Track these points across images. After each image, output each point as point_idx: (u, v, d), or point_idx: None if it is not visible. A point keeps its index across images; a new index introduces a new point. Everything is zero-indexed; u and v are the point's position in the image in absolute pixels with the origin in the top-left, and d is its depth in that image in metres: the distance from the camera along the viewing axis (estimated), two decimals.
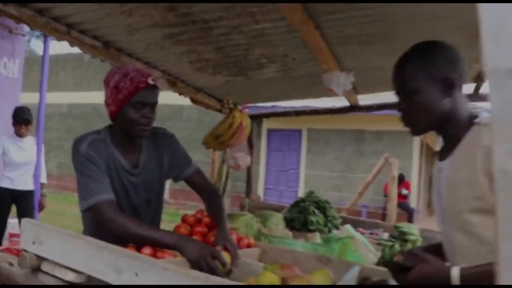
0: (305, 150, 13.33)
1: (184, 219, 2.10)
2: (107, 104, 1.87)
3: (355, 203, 6.88)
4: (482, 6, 1.00)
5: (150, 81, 1.82)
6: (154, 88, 1.85)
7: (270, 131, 13.66)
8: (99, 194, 1.74)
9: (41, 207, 5.06)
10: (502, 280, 0.95)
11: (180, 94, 3.60)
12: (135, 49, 2.74)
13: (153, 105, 1.87)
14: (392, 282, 1.82)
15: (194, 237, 1.96)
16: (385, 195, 11.00)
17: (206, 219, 2.08)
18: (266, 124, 13.44)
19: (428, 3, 2.05)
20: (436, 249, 1.65)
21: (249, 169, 4.47)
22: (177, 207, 12.80)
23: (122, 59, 2.73)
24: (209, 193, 2.14)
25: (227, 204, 10.83)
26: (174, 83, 3.30)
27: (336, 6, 2.09)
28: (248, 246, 2.16)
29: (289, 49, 2.68)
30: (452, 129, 1.47)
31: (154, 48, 2.69)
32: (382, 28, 2.34)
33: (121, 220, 1.71)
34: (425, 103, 1.44)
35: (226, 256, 1.71)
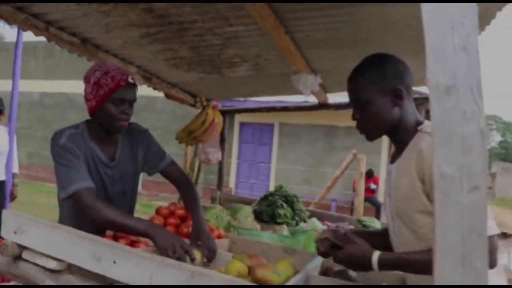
0: (276, 144, 13.45)
1: (158, 211, 2.22)
2: (87, 99, 1.98)
3: (323, 197, 7.07)
4: (425, 25, 1.15)
5: (130, 80, 1.96)
6: (133, 86, 1.99)
7: (242, 125, 13.72)
8: (78, 181, 1.83)
9: (13, 198, 5.06)
10: (437, 267, 1.10)
11: (154, 89, 3.68)
12: (112, 46, 2.82)
13: (132, 102, 1.99)
14: (352, 272, 1.99)
15: (168, 227, 2.08)
16: (354, 190, 11.27)
17: (179, 211, 2.20)
18: (239, 118, 13.47)
19: (397, 11, 2.19)
20: (366, 234, 1.86)
21: (220, 164, 4.59)
22: (150, 198, 12.81)
23: (99, 55, 2.81)
24: (184, 184, 2.25)
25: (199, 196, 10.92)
26: (149, 79, 3.39)
27: (306, 12, 2.22)
28: (218, 237, 2.29)
29: (261, 51, 2.80)
30: (401, 135, 1.63)
31: (130, 46, 2.78)
32: (349, 34, 2.48)
33: (99, 206, 1.81)
34: (377, 113, 1.58)
35: (196, 253, 1.78)
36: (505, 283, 1.56)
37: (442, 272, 1.08)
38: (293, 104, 4.51)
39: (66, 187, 1.84)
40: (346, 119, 12.76)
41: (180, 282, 1.32)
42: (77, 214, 1.91)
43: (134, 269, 1.42)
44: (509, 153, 56.12)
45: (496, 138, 79.76)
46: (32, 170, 14.70)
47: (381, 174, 12.58)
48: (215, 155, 3.25)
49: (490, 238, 1.35)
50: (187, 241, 1.84)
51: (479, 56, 1.07)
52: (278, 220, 3.11)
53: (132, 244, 1.81)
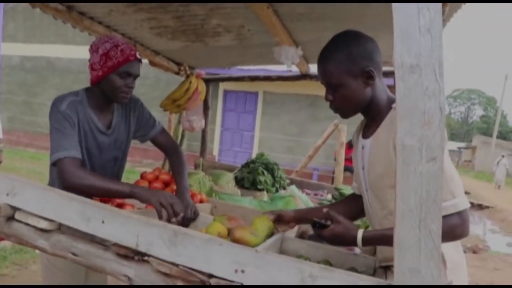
0: (260, 112, 13.49)
1: (142, 176, 2.32)
2: (93, 69, 2.07)
3: (305, 165, 7.23)
4: (394, 9, 1.25)
5: (138, 56, 2.09)
6: (139, 62, 2.11)
7: (226, 92, 13.71)
8: (65, 150, 1.92)
9: None
10: (397, 229, 1.23)
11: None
12: (97, 14, 2.85)
13: (136, 76, 2.10)
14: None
15: None
16: (335, 159, 11.44)
17: (164, 176, 2.31)
18: (223, 85, 13.44)
19: None
20: (337, 207, 1.97)
21: (204, 131, 4.68)
22: (133, 164, 12.85)
23: (84, 22, 2.84)
24: (172, 152, 2.35)
25: None
26: (134, 46, 3.43)
27: None
28: (201, 201, 2.41)
29: (244, 22, 2.86)
30: (374, 112, 1.70)
31: (116, 14, 2.81)
32: (329, 8, 2.55)
33: (81, 174, 1.90)
34: (349, 95, 1.64)
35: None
36: (460, 253, 1.68)
37: (401, 233, 1.20)
38: (276, 73, 4.57)
39: (54, 152, 1.92)
40: None
41: (164, 241, 1.43)
42: (61, 180, 2.00)
43: (121, 228, 1.52)
44: (490, 127, 56.99)
45: (478, 112, 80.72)
46: (14, 135, 14.59)
47: None
48: (199, 123, 3.34)
49: (463, 211, 1.44)
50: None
51: (442, 38, 1.17)
52: (259, 187, 3.23)
53: (119, 207, 1.91)
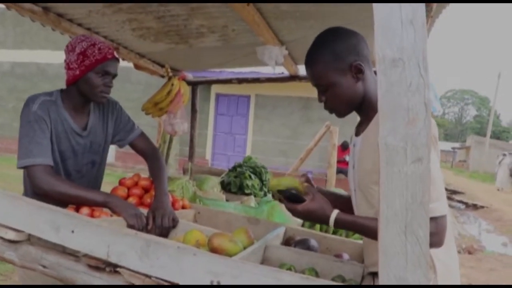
0: (252, 115, 13.45)
1: (121, 182, 2.22)
2: (69, 68, 2.00)
3: (297, 168, 7.15)
4: (375, 4, 1.17)
5: (116, 55, 2.04)
6: (117, 61, 2.05)
7: (218, 96, 13.67)
8: (35, 156, 1.84)
9: None
10: (382, 234, 1.15)
11: (123, 59, 3.64)
12: (76, 15, 2.76)
13: (114, 76, 2.05)
14: (313, 242, 2.03)
15: (131, 198, 2.10)
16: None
17: (143, 182, 2.22)
18: (215, 89, 13.43)
19: None
20: (332, 196, 1.90)
21: (192, 135, 4.59)
22: (125, 170, 12.75)
23: (63, 24, 2.75)
24: (151, 157, 2.27)
25: (174, 168, 10.87)
26: (117, 49, 3.34)
27: None
28: (183, 207, 2.32)
29: (228, 21, 2.78)
30: (367, 108, 1.63)
31: (95, 15, 2.72)
32: (313, 7, 2.48)
33: (52, 180, 1.83)
34: (341, 93, 1.58)
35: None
36: (452, 255, 1.61)
37: (385, 238, 1.12)
38: (265, 75, 4.49)
39: (23, 157, 1.84)
40: None
41: (136, 251, 1.34)
42: (32, 186, 1.92)
43: (91, 238, 1.43)
44: (484, 127, 57.31)
45: (471, 112, 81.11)
46: (3, 142, 14.45)
47: None
48: (181, 126, 3.24)
49: (440, 218, 1.37)
50: (143, 210, 1.89)
51: (425, 30, 1.10)
52: (246, 191, 3.15)
53: (93, 214, 1.82)
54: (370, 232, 1.50)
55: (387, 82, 1.13)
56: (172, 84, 3.26)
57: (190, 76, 4.49)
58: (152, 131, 7.84)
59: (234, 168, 3.41)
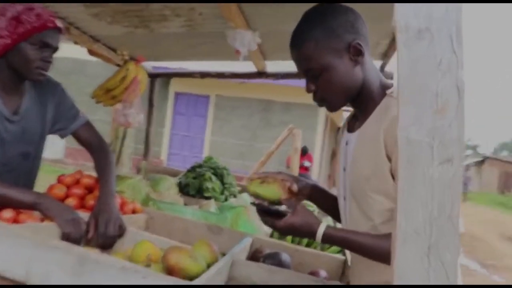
0: (212, 116, 13.18)
1: (59, 179, 1.87)
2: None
3: (256, 172, 6.87)
4: None
5: (59, 24, 1.67)
6: (59, 32, 1.69)
7: (177, 95, 13.32)
8: None
9: None
10: (397, 256, 0.86)
11: (75, 42, 3.25)
12: None
13: (55, 49, 1.70)
14: (284, 256, 1.75)
15: (70, 199, 1.75)
16: (288, 167, 11.21)
17: (86, 180, 1.87)
18: (173, 87, 13.09)
19: None
20: (323, 193, 1.63)
21: (147, 131, 4.24)
22: (76, 168, 12.12)
23: None
24: (98, 150, 1.92)
25: (128, 167, 10.41)
26: (67, 29, 2.95)
27: None
28: (134, 211, 1.99)
29: (195, 4, 2.47)
30: (365, 99, 1.36)
31: None
32: None
33: None
34: (336, 78, 1.31)
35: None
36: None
37: (402, 262, 0.85)
38: (230, 71, 4.19)
39: None
40: (283, 94, 12.72)
41: (65, 270, 1.01)
42: None
43: (7, 252, 1.09)
44: None
45: None
46: None
47: (316, 151, 12.63)
48: (136, 117, 2.84)
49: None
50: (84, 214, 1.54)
51: None
52: (206, 194, 2.83)
53: (18, 218, 1.46)
54: (366, 250, 1.24)
55: (410, 59, 0.86)
56: (128, 69, 2.86)
57: (149, 67, 4.14)
58: (106, 128, 7.37)
59: (193, 169, 3.07)
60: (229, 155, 12.29)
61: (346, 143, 1.43)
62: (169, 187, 2.51)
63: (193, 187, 2.85)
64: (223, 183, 3.01)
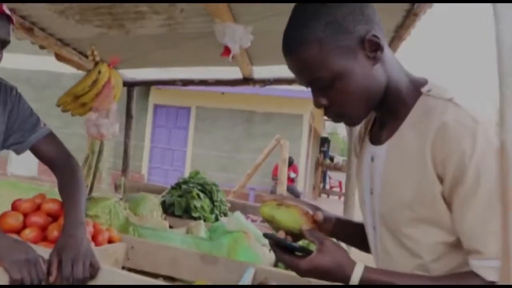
0: (193, 128, 12.88)
1: (14, 205, 1.52)
2: None
3: (243, 185, 6.56)
4: None
5: (6, 10, 1.35)
6: (8, 21, 1.38)
7: (156, 107, 12.98)
8: None
9: None
10: None
11: (41, 47, 2.90)
12: None
13: (4, 42, 1.39)
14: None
15: (27, 231, 1.40)
16: (273, 178, 10.93)
17: (49, 205, 1.52)
18: (153, 99, 12.76)
19: None
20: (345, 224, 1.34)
21: (126, 144, 3.89)
22: (52, 185, 11.59)
23: None
24: (62, 166, 1.57)
25: (106, 183, 9.97)
26: (31, 30, 2.61)
27: None
28: (110, 241, 1.65)
29: None
30: (392, 103, 1.06)
31: None
32: None
33: None
34: (355, 86, 1.01)
35: None
36: None
37: None
38: (214, 78, 3.88)
39: None
40: (265, 104, 12.50)
41: None
42: None
43: None
44: None
45: None
46: None
47: (301, 162, 12.38)
48: (111, 128, 2.45)
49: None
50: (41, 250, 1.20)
51: None
52: (194, 214, 2.49)
53: None
54: None
55: None
56: (99, 72, 2.48)
57: (126, 76, 3.81)
58: (84, 142, 6.99)
59: (178, 185, 2.73)
60: (212, 168, 11.96)
61: (372, 159, 1.13)
62: (152, 209, 2.17)
63: (179, 206, 2.51)
64: (212, 200, 2.68)
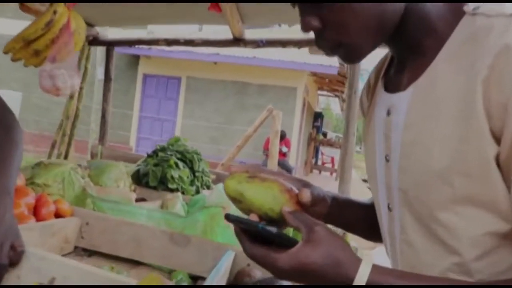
0: (183, 99, 12.53)
1: None
2: None
3: (233, 157, 6.26)
4: None
5: None
6: None
7: (146, 76, 12.59)
8: None
9: None
10: None
11: None
12: None
13: None
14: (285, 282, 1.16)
15: None
16: (265, 151, 10.65)
17: None
18: (142, 69, 12.37)
19: None
20: (347, 203, 0.99)
21: (104, 109, 3.58)
22: (38, 155, 11.25)
23: None
24: None
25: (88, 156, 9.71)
26: None
27: None
28: (59, 214, 1.35)
29: None
30: (414, 30, 0.74)
31: None
32: None
33: None
34: (360, 6, 0.70)
35: None
36: None
37: None
38: (201, 38, 3.54)
39: None
40: (258, 77, 12.19)
41: None
42: None
43: None
44: None
45: None
46: None
47: (293, 136, 12.11)
48: (69, 81, 2.06)
49: None
50: None
51: None
52: (171, 186, 2.19)
53: None
54: None
55: None
56: (55, 12, 2.05)
57: (105, 35, 3.47)
58: (57, 109, 6.67)
59: (154, 153, 2.42)
60: (202, 140, 11.69)
61: (388, 113, 0.80)
62: (117, 178, 1.86)
63: (153, 176, 2.20)
64: (193, 171, 2.38)
